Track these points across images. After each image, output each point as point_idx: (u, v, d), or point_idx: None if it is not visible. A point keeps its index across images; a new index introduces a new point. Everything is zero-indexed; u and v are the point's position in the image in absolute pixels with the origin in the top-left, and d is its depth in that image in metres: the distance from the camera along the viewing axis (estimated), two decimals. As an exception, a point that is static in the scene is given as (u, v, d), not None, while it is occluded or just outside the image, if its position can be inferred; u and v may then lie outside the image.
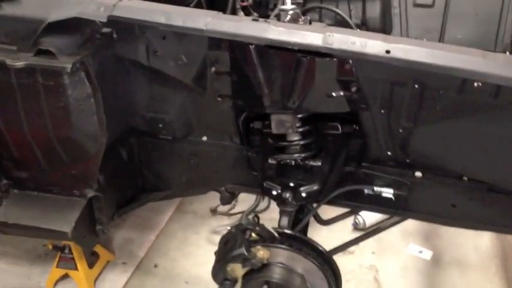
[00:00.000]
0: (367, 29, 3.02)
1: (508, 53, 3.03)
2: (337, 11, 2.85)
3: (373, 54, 1.42)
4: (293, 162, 1.91)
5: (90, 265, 2.92)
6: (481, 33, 3.06)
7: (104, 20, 1.56)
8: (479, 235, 3.16)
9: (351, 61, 1.52)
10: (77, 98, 1.68)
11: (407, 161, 1.89)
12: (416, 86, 1.54)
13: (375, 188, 1.98)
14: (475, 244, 3.13)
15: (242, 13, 2.81)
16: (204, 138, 2.13)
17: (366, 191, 2.01)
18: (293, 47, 1.47)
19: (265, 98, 1.69)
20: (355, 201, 2.11)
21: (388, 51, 1.41)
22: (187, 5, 2.47)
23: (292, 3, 2.92)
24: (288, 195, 1.87)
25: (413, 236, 3.22)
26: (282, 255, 1.84)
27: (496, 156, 1.65)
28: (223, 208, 3.21)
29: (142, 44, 1.73)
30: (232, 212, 3.26)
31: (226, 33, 1.50)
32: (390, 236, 3.20)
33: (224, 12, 2.09)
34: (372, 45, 1.43)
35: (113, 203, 2.16)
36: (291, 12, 1.76)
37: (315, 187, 1.89)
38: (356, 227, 3.27)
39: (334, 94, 1.64)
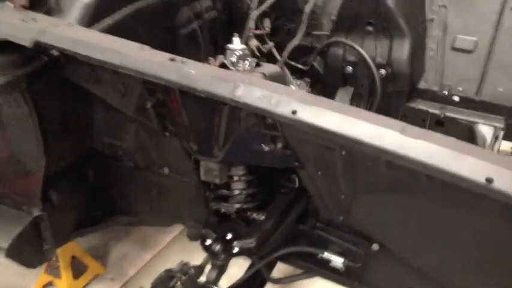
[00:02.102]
0: (392, 71, 2.75)
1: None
2: (358, 48, 2.61)
3: (279, 113, 1.24)
4: (232, 213, 1.76)
5: (77, 275, 2.94)
6: (526, 90, 2.67)
7: (30, 45, 1.53)
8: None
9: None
10: (12, 118, 1.67)
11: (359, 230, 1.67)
12: (343, 153, 1.33)
13: (324, 254, 1.76)
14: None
15: (255, 41, 2.69)
16: (166, 171, 2.03)
17: (319, 255, 1.81)
18: (200, 94, 1.33)
19: (192, 142, 1.57)
20: (308, 263, 1.90)
21: (294, 112, 1.22)
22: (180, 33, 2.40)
23: (317, 35, 2.80)
24: (218, 247, 1.71)
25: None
26: (200, 312, 1.69)
27: (439, 250, 1.39)
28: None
29: (86, 70, 1.69)
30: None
31: (138, 71, 1.40)
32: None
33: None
34: (280, 102, 1.24)
35: (69, 223, 2.14)
36: (238, 52, 1.61)
37: (251, 243, 1.71)
38: None
39: (261, 148, 1.48)
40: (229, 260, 1.77)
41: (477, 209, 1.18)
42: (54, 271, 2.87)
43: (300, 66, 2.68)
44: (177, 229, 3.45)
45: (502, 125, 2.47)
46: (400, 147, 1.12)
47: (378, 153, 1.15)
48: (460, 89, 2.68)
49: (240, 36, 2.58)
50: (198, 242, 3.37)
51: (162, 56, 1.43)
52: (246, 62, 1.56)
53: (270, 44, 2.76)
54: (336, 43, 2.75)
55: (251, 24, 2.63)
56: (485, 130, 2.53)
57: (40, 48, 1.64)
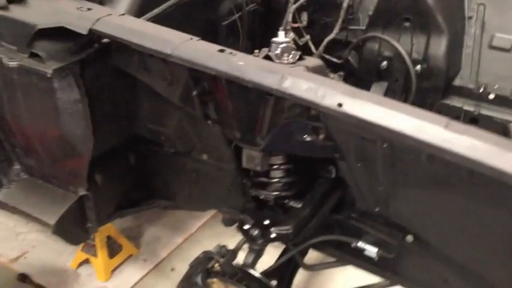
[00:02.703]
0: (428, 67, 2.77)
1: None
2: (395, 43, 2.63)
3: (325, 105, 1.29)
4: (271, 200, 1.82)
5: (112, 255, 3.05)
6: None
7: (86, 32, 1.61)
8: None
9: (316, 108, 1.40)
10: (65, 101, 1.76)
11: (395, 221, 1.71)
12: (384, 145, 1.38)
13: (359, 243, 1.82)
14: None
15: (292, 34, 2.73)
16: (205, 157, 2.11)
17: (352, 243, 1.86)
18: (248, 84, 1.39)
19: (235, 130, 1.63)
20: (342, 252, 1.95)
21: (340, 105, 1.27)
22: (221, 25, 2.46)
23: (353, 29, 2.83)
24: (256, 232, 1.78)
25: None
26: (237, 293, 1.77)
27: (477, 243, 1.43)
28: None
29: (135, 58, 1.76)
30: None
31: (188, 60, 1.46)
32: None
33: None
34: (325, 95, 1.29)
35: (111, 203, 2.23)
36: (282, 45, 1.66)
37: (288, 229, 1.78)
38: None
39: (303, 138, 1.53)
40: (266, 245, 1.83)
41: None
42: (91, 250, 2.99)
43: (334, 60, 2.71)
44: (209, 214, 3.54)
45: (536, 124, 2.46)
46: (444, 141, 1.16)
47: (421, 147, 1.19)
48: (496, 87, 2.67)
49: (277, 29, 2.64)
50: (230, 228, 3.47)
51: (211, 47, 1.49)
52: (290, 55, 1.61)
53: (307, 37, 2.80)
54: (372, 38, 2.78)
55: (289, 17, 2.68)
56: (520, 129, 2.53)
57: (94, 37, 1.72)
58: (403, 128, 1.21)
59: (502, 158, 1.11)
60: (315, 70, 1.65)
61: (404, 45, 2.60)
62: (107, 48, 1.78)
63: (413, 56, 2.62)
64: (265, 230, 1.79)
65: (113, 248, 3.08)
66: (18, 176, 2.18)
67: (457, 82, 2.70)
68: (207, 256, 1.84)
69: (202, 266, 1.80)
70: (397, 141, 1.28)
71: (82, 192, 2.03)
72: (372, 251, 1.79)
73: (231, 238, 3.36)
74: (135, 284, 3.01)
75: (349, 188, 1.77)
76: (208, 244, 3.30)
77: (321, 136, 1.49)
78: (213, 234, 3.39)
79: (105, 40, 1.76)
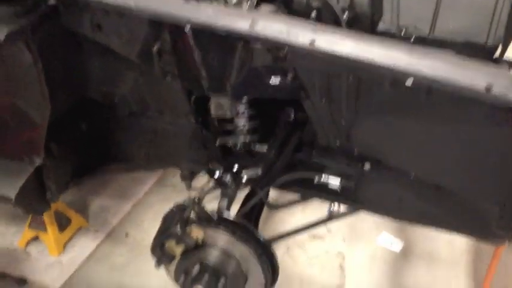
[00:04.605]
0: (355, 14, 2.92)
1: (500, 45, 2.92)
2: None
3: (297, 44, 1.37)
4: (238, 146, 1.90)
5: (61, 229, 2.99)
6: (473, 24, 2.92)
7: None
8: (454, 230, 3.10)
9: (286, 49, 1.48)
10: (17, 67, 1.69)
11: (355, 153, 1.86)
12: (350, 78, 1.50)
13: (322, 178, 1.95)
14: (448, 239, 3.07)
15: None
16: (162, 115, 2.12)
17: (315, 178, 1.99)
18: (219, 32, 1.43)
19: (204, 80, 1.67)
20: (305, 188, 2.08)
21: (312, 43, 1.36)
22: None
23: None
24: (228, 178, 1.86)
25: (387, 224, 3.18)
26: (216, 237, 1.84)
27: (435, 156, 1.61)
28: (198, 184, 3.22)
29: (87, 17, 1.72)
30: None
31: (155, 12, 1.47)
32: (363, 224, 3.19)
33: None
34: (297, 34, 1.38)
35: (68, 171, 2.19)
36: (239, -8, 1.71)
37: (258, 172, 1.87)
38: (331, 213, 3.23)
39: (271, 81, 1.61)
40: (237, 190, 1.92)
41: (471, 117, 1.39)
42: (39, 226, 2.91)
43: None
44: (153, 179, 3.55)
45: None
46: (409, 65, 1.30)
47: (390, 73, 1.32)
48: (414, 28, 2.88)
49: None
50: (176, 189, 3.50)
51: (175, -1, 1.50)
52: (248, 2, 1.66)
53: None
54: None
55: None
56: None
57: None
58: (374, 57, 1.33)
59: (460, 73, 1.28)
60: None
61: (333, -7, 2.72)
62: (55, 10, 1.72)
63: (340, 4, 2.76)
64: (236, 175, 1.86)
65: (62, 223, 3.00)
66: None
67: (380, 27, 2.89)
68: (180, 207, 1.88)
69: (178, 215, 1.84)
70: (365, 71, 1.40)
71: (39, 162, 1.98)
72: (334, 183, 1.93)
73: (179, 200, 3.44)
74: (91, 254, 2.98)
75: (309, 127, 1.89)
76: (159, 208, 3.33)
77: (289, 77, 1.58)
78: (160, 199, 3.41)
79: (52, 1, 1.71)
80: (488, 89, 1.25)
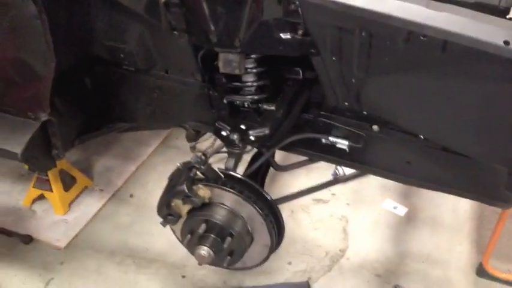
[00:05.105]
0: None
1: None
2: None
3: (312, -6, 1.33)
4: (245, 104, 1.87)
5: (66, 188, 2.99)
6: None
7: None
8: (458, 196, 3.11)
9: (297, 2, 1.44)
10: (21, 18, 1.66)
11: (364, 113, 1.83)
12: (363, 33, 1.45)
13: (330, 138, 1.93)
14: (453, 206, 3.08)
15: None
16: (168, 72, 2.08)
17: (323, 140, 1.97)
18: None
19: (212, 34, 1.63)
20: (312, 150, 2.07)
21: (330, -8, 1.32)
22: None
23: None
24: (235, 137, 1.83)
25: (392, 191, 3.18)
26: (223, 196, 1.84)
27: (447, 117, 1.58)
28: (202, 145, 3.22)
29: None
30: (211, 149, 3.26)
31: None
32: (369, 189, 3.19)
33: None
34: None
35: (73, 129, 2.18)
36: None
37: (265, 131, 1.84)
38: (336, 177, 3.24)
39: (281, 36, 1.57)
40: (245, 149, 1.90)
41: (488, 73, 1.36)
42: (44, 185, 2.91)
43: None
44: (158, 140, 3.54)
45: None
46: (427, 18, 1.27)
47: (406, 26, 1.28)
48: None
49: None
50: (181, 151, 3.49)
51: None
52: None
53: None
54: None
55: None
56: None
57: None
58: (389, 10, 1.29)
59: (479, 28, 1.24)
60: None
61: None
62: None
63: None
64: (244, 134, 1.84)
65: (66, 182, 3.01)
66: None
67: None
68: (186, 166, 1.87)
69: (185, 174, 1.83)
70: (379, 26, 1.36)
71: (44, 117, 1.96)
72: (343, 143, 1.92)
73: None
74: (96, 213, 2.99)
75: (318, 87, 1.86)
76: (163, 169, 3.35)
77: (299, 33, 1.54)
78: (165, 160, 3.40)
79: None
80: (507, 42, 1.22)
